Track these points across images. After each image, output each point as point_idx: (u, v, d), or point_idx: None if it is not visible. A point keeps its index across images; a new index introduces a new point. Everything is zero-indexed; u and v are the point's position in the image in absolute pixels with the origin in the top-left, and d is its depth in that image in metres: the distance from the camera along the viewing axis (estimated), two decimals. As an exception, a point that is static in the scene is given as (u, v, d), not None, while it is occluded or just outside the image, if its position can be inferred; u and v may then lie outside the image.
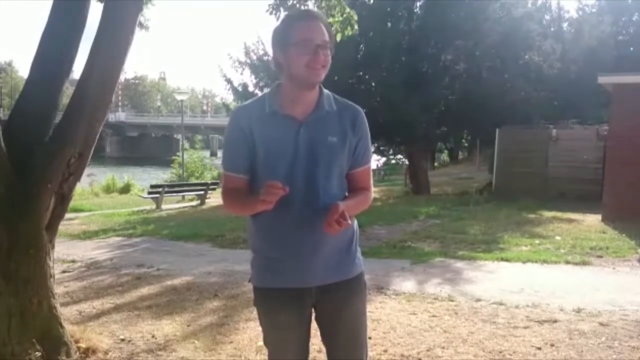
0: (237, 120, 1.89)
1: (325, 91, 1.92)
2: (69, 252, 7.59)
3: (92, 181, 21.21)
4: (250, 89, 18.97)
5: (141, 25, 6.34)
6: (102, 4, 3.58)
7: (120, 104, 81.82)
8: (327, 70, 1.83)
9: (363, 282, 2.03)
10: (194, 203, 16.17)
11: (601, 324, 4.26)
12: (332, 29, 5.42)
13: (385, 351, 3.65)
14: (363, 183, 1.98)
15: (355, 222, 2.01)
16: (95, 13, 3.57)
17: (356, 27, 5.44)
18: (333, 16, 5.32)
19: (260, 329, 2.05)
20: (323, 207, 1.80)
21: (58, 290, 3.94)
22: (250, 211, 1.86)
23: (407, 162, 20.15)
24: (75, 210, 13.27)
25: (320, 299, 1.94)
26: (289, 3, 6.03)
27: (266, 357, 3.55)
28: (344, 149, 1.88)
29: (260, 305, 1.98)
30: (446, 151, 36.65)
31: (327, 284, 1.92)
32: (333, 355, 2.03)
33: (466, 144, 30.80)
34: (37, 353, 3.11)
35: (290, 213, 1.82)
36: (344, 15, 5.33)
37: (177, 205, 15.99)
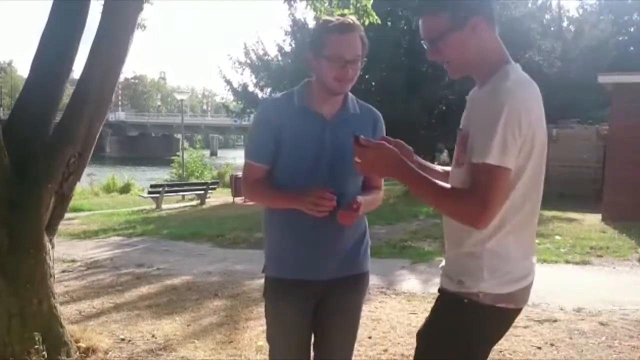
0: (265, 113, 1.96)
1: (350, 94, 1.99)
2: (69, 252, 7.59)
3: (92, 181, 21.18)
4: (250, 89, 18.99)
5: (138, 25, 6.33)
6: (102, 4, 3.58)
7: (120, 103, 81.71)
8: (354, 82, 1.90)
9: (367, 281, 2.11)
10: (194, 203, 16.16)
11: (601, 323, 4.26)
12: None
13: (386, 351, 3.65)
14: (375, 183, 2.06)
15: (366, 219, 2.07)
16: (95, 13, 3.58)
17: (374, 14, 5.31)
18: (347, 8, 5.25)
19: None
20: (342, 202, 1.85)
21: (58, 289, 3.94)
22: (280, 206, 1.93)
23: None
24: (75, 209, 13.25)
25: (326, 292, 2.00)
26: None
27: (266, 357, 3.55)
28: None
29: (269, 295, 2.04)
30: (446, 151, 36.64)
31: (338, 277, 1.98)
32: (322, 342, 2.07)
33: (466, 144, 30.77)
34: (41, 354, 3.10)
35: None
36: (357, 5, 5.26)
37: (177, 205, 15.98)
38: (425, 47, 1.63)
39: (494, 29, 1.60)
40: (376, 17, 5.31)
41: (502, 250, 1.54)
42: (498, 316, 1.57)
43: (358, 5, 5.26)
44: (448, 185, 1.58)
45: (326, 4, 5.38)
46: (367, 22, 5.26)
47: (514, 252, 1.56)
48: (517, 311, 1.60)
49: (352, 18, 1.93)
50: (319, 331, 2.08)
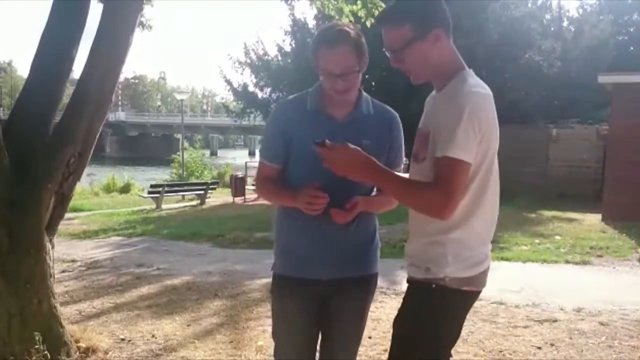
0: (278, 114, 2.02)
1: (364, 94, 2.00)
2: (69, 252, 7.59)
3: (92, 181, 21.18)
4: (250, 88, 19.01)
5: (143, 25, 6.37)
6: (102, 4, 3.58)
7: (120, 103, 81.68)
8: (352, 90, 1.91)
9: (374, 283, 2.11)
10: (194, 203, 16.16)
11: (601, 323, 4.26)
12: (359, 15, 5.33)
13: (385, 351, 3.64)
14: None
15: (377, 221, 2.10)
16: (95, 13, 3.58)
17: (382, 5, 5.29)
18: (355, 4, 5.25)
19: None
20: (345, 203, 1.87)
21: (58, 290, 3.94)
22: (284, 204, 1.98)
23: (407, 162, 20.14)
24: (75, 209, 13.25)
25: (332, 292, 2.01)
26: None
27: (266, 357, 3.55)
28: (377, 152, 1.89)
29: (276, 291, 2.07)
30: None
31: (341, 278, 1.99)
32: (326, 342, 2.09)
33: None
34: (41, 353, 3.10)
35: None
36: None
37: (177, 205, 15.98)
38: (387, 55, 1.74)
39: (450, 38, 1.73)
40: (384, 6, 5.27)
41: (464, 239, 1.68)
42: (463, 299, 1.73)
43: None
44: (413, 180, 1.72)
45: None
46: (376, 14, 5.23)
47: (473, 240, 1.71)
48: (478, 293, 1.77)
49: (348, 26, 1.90)
50: (323, 331, 2.09)
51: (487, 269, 1.76)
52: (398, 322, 1.78)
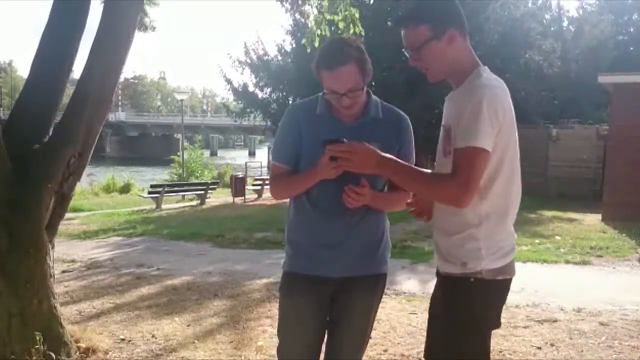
0: (289, 117, 2.05)
1: (374, 98, 2.02)
2: (69, 252, 7.59)
3: (92, 181, 21.19)
4: (251, 88, 19.00)
5: (146, 27, 6.38)
6: (102, 4, 3.58)
7: (120, 103, 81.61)
8: (358, 105, 1.94)
9: (382, 283, 2.12)
10: (194, 203, 16.17)
11: (601, 323, 4.26)
12: (336, 24, 5.45)
13: (386, 351, 3.65)
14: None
15: (387, 221, 2.12)
16: (95, 13, 3.58)
17: (359, 25, 5.44)
18: (336, 14, 5.35)
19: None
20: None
21: (58, 290, 3.94)
22: (303, 187, 1.96)
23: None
24: (75, 210, 13.24)
25: (339, 290, 2.03)
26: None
27: (266, 357, 3.55)
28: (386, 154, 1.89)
29: (284, 288, 2.10)
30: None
31: (350, 276, 2.01)
32: (331, 340, 2.10)
33: (466, 144, 30.78)
34: (41, 353, 3.10)
35: (323, 207, 1.97)
36: (345, 14, 5.35)
37: (177, 205, 15.99)
38: (407, 55, 1.84)
39: (466, 38, 1.81)
40: (361, 28, 5.47)
41: (495, 231, 1.75)
42: (500, 287, 1.81)
43: (346, 13, 5.35)
44: (430, 172, 1.78)
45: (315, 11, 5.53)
46: (351, 31, 5.38)
47: (503, 230, 1.78)
48: (511, 280, 1.83)
49: (348, 42, 1.93)
50: (330, 329, 2.10)
51: (514, 257, 1.84)
52: (440, 314, 1.84)
